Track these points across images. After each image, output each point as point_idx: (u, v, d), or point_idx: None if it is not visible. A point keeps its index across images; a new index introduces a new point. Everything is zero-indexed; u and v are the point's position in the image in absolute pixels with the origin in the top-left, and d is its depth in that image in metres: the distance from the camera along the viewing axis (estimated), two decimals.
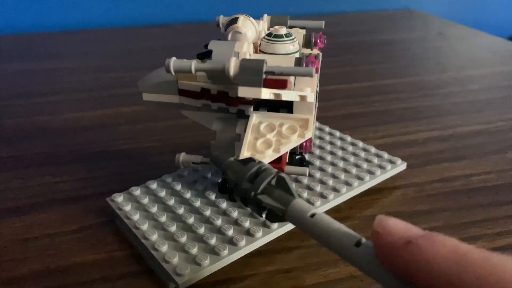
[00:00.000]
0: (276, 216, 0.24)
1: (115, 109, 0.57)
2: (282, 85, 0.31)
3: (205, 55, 0.32)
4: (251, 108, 0.34)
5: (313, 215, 0.22)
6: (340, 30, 0.91)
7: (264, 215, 0.24)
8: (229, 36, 0.34)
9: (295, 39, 0.34)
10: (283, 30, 0.34)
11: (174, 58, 0.31)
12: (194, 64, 0.30)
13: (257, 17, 0.37)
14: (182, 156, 0.36)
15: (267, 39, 0.34)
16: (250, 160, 0.26)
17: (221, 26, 0.36)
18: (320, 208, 0.36)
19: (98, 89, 0.63)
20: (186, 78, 0.34)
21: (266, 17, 0.39)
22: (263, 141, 0.32)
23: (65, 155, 0.46)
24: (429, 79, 0.69)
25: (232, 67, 0.29)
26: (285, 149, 0.32)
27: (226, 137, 0.35)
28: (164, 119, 0.54)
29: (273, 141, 0.32)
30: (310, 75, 0.29)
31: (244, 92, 0.29)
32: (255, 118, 0.33)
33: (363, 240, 0.20)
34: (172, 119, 0.53)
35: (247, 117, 0.34)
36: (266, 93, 0.29)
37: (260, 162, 0.26)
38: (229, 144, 0.35)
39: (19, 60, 0.74)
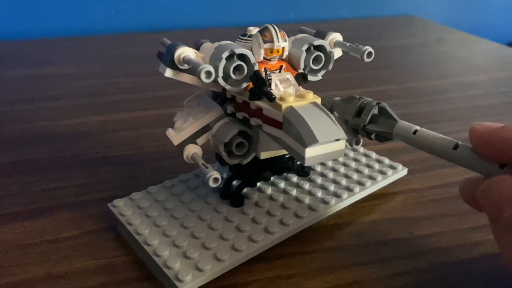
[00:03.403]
0: (385, 138, 0.32)
1: (115, 115, 0.57)
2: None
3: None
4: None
5: (415, 132, 0.30)
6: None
7: (373, 138, 0.33)
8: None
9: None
10: (254, 31, 0.34)
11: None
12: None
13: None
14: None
15: (238, 38, 0.35)
16: (352, 98, 0.33)
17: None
18: (322, 214, 0.36)
19: (98, 95, 0.63)
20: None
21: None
22: None
23: (65, 161, 0.46)
24: (430, 85, 0.69)
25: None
26: None
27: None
28: (164, 124, 0.54)
29: None
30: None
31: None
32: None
33: (460, 142, 0.27)
34: (172, 124, 0.53)
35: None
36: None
37: (360, 97, 0.33)
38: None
39: (20, 66, 0.74)
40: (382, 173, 0.41)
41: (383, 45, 0.89)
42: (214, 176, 0.30)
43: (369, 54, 0.35)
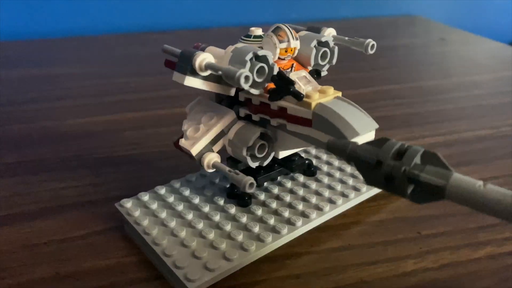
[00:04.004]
0: (429, 193, 0.23)
1: (120, 115, 0.57)
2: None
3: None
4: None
5: (483, 185, 0.22)
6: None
7: (409, 193, 0.24)
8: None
9: (260, 41, 0.34)
10: (257, 32, 0.34)
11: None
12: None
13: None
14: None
15: (241, 39, 0.35)
16: (384, 139, 0.25)
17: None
18: (329, 214, 0.36)
19: (102, 95, 0.63)
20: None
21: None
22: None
23: (71, 161, 0.46)
24: (433, 84, 0.69)
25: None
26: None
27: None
28: (169, 124, 0.54)
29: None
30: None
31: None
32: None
33: None
34: (177, 124, 0.53)
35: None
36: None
37: (396, 141, 0.25)
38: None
39: (24, 66, 0.74)
40: None
41: (386, 45, 0.89)
42: (250, 181, 0.30)
43: (373, 46, 0.36)
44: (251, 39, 0.34)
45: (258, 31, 0.34)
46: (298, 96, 0.30)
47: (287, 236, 0.33)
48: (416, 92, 0.66)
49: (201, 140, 0.33)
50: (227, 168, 0.32)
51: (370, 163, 0.25)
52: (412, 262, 0.33)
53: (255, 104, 0.33)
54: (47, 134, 0.52)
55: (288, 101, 0.31)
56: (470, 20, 1.18)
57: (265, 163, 0.35)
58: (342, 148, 0.26)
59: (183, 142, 0.34)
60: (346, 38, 0.36)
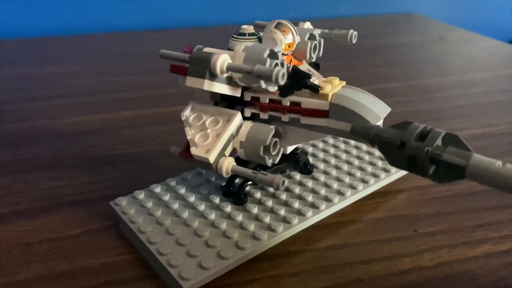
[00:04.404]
0: (450, 173, 0.24)
1: (116, 113, 0.57)
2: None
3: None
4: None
5: (502, 165, 0.23)
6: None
7: (431, 172, 0.25)
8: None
9: (255, 39, 0.34)
10: (249, 29, 0.34)
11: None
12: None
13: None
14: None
15: (232, 37, 0.34)
16: (407, 123, 0.27)
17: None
18: (325, 212, 0.36)
19: (99, 93, 0.63)
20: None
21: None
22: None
23: (67, 159, 0.46)
24: (432, 82, 0.69)
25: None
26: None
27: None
28: (166, 122, 0.54)
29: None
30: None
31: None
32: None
33: None
34: (173, 122, 0.53)
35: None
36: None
37: (419, 124, 0.26)
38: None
39: (20, 65, 0.74)
40: (386, 170, 0.40)
41: (385, 43, 0.89)
42: (282, 180, 0.30)
43: (355, 36, 0.37)
44: (246, 37, 0.34)
45: (250, 29, 0.34)
46: (315, 89, 0.30)
47: (283, 234, 0.33)
48: (415, 90, 0.66)
49: (216, 146, 0.31)
50: (250, 170, 0.31)
51: (393, 145, 0.26)
52: (408, 260, 0.33)
53: (264, 102, 0.33)
54: (43, 132, 0.52)
55: (300, 95, 0.31)
56: (469, 18, 1.18)
57: (277, 160, 0.34)
58: (366, 132, 0.28)
59: (195, 151, 0.32)
60: (327, 30, 0.37)
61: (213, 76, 0.30)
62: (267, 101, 0.33)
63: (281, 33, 0.32)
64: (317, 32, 0.36)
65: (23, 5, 0.89)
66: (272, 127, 0.32)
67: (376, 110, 0.30)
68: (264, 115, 0.33)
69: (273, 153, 0.33)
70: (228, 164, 0.32)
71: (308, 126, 0.32)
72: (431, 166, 0.25)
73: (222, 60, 0.29)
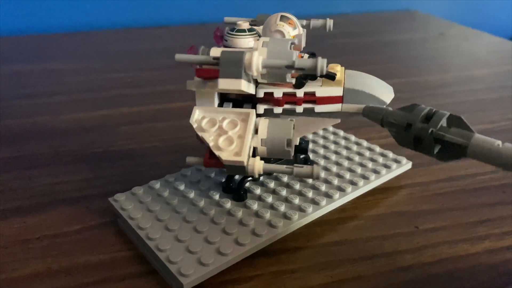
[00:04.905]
0: (453, 152, 0.27)
1: (116, 110, 0.56)
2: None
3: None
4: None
5: (501, 144, 0.25)
6: (341, 31, 0.91)
7: (435, 152, 0.27)
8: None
9: (256, 35, 0.33)
10: (245, 25, 0.33)
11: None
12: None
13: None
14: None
15: (230, 34, 0.33)
16: (414, 105, 0.29)
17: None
18: (326, 208, 0.35)
19: (98, 90, 0.63)
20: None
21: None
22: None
23: (66, 156, 0.46)
24: (432, 79, 0.68)
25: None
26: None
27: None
28: (165, 119, 0.53)
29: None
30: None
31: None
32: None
33: None
34: (173, 119, 0.53)
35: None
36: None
37: (425, 106, 0.29)
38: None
39: (20, 62, 0.74)
40: (386, 166, 0.40)
41: (385, 40, 0.89)
42: (320, 168, 0.30)
43: (331, 24, 0.39)
44: (247, 33, 0.33)
45: (245, 25, 0.33)
46: (332, 77, 0.31)
47: (283, 230, 0.33)
48: (415, 87, 0.65)
49: (245, 147, 0.30)
50: (284, 166, 0.30)
51: (401, 126, 0.29)
52: (409, 257, 0.33)
53: (278, 96, 0.33)
54: (42, 129, 0.51)
55: (312, 85, 0.32)
56: (470, 15, 1.18)
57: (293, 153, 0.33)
58: (377, 113, 0.30)
59: (225, 156, 0.30)
60: (304, 21, 0.38)
61: (246, 75, 0.28)
62: (281, 95, 0.33)
63: (288, 25, 0.32)
64: (304, 22, 0.37)
65: (23, 2, 0.89)
66: (289, 119, 0.32)
67: (387, 90, 0.33)
68: (278, 109, 0.33)
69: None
70: (258, 164, 0.30)
71: (321, 114, 0.33)
72: (436, 146, 0.27)
73: (257, 57, 0.28)
